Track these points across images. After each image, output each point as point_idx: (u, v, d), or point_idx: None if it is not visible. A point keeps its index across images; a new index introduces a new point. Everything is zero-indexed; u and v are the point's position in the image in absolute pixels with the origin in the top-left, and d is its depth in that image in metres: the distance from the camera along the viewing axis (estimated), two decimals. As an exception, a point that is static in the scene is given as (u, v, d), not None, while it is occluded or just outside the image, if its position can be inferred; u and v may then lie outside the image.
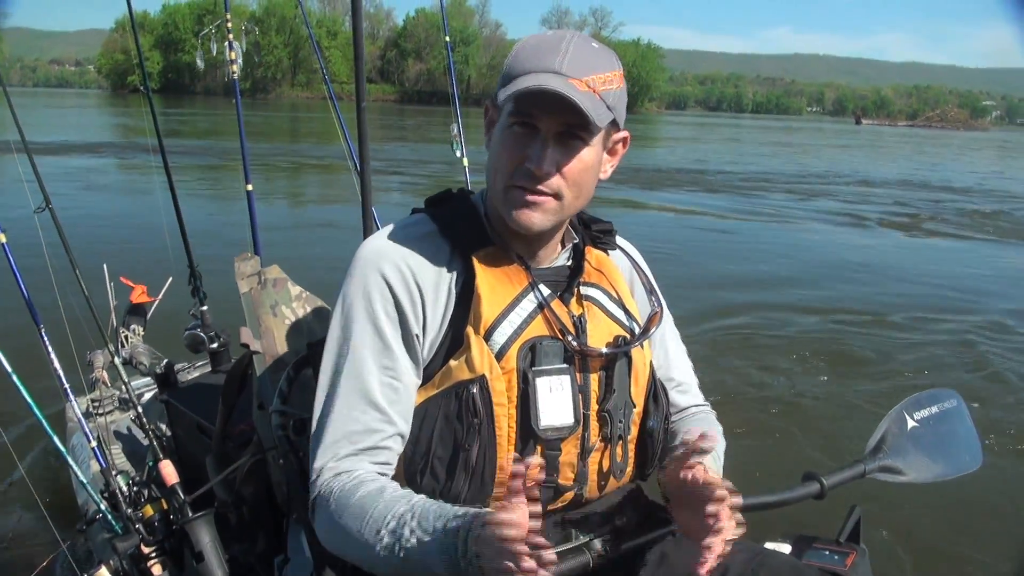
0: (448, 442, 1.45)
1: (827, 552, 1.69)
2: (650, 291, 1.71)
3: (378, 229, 1.62)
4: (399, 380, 1.46)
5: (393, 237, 1.53)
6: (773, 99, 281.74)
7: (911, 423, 1.84)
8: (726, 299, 8.59)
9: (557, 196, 1.43)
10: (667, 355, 1.76)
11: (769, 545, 1.74)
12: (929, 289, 9.57)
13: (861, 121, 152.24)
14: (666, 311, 1.74)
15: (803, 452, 4.82)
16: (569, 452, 1.49)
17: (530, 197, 1.42)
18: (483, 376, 1.42)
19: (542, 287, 1.52)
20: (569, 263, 1.62)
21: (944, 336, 7.42)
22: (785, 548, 1.74)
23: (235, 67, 3.71)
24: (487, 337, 1.45)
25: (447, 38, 4.13)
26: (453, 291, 1.50)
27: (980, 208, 18.76)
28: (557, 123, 1.38)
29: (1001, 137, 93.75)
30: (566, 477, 1.50)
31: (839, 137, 64.19)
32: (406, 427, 1.47)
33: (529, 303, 1.50)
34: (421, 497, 1.35)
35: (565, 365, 1.48)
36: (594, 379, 1.52)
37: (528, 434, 1.44)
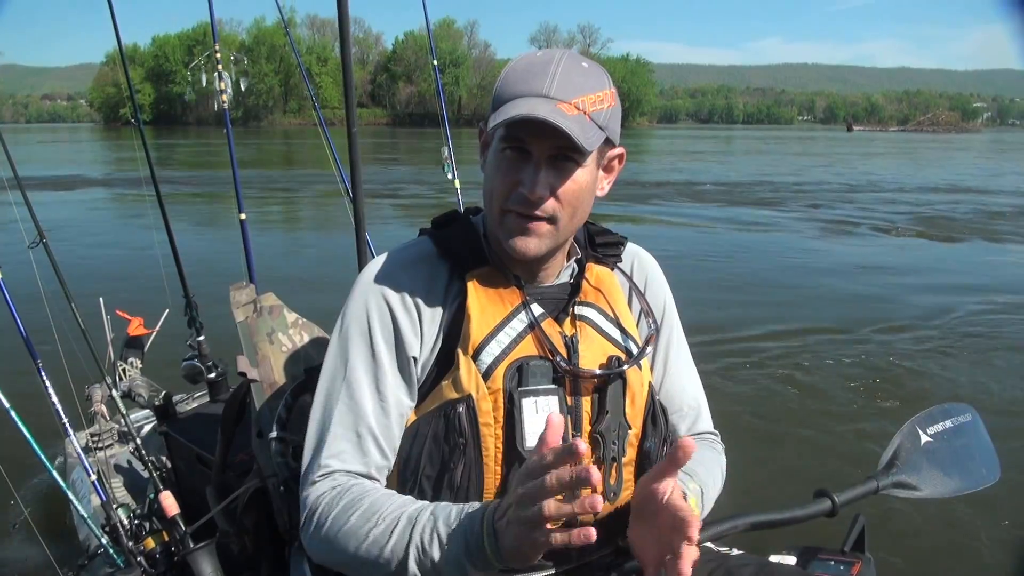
0: (436, 461, 1.45)
1: (832, 562, 1.68)
2: (647, 313, 1.67)
3: (372, 253, 1.63)
4: (391, 405, 1.47)
5: (393, 260, 1.55)
6: (764, 109, 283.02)
7: (924, 438, 1.82)
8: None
9: (552, 220, 1.43)
10: (676, 380, 1.72)
11: (774, 557, 1.73)
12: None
13: (852, 128, 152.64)
14: (679, 336, 1.74)
15: (814, 468, 4.80)
16: None
17: (526, 224, 1.42)
18: (469, 396, 1.42)
19: (534, 307, 1.51)
20: (572, 280, 1.60)
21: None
22: (790, 560, 1.73)
23: (225, 97, 3.73)
24: (475, 357, 1.44)
25: (435, 61, 4.15)
26: (448, 313, 1.50)
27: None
28: (548, 146, 1.37)
29: (1007, 139, 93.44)
30: None
31: (858, 145, 63.88)
32: (393, 453, 1.49)
33: (519, 323, 1.49)
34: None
35: (553, 386, 1.46)
36: (586, 400, 1.49)
37: (513, 455, 1.43)
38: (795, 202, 20.07)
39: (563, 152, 1.38)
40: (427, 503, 1.36)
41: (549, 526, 1.13)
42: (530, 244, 1.44)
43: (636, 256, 1.74)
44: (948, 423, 1.88)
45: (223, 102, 3.74)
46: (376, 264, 1.55)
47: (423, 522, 1.30)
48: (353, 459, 1.45)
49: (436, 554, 1.27)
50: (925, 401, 5.53)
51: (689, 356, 1.77)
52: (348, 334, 1.50)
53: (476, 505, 1.29)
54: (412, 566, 1.29)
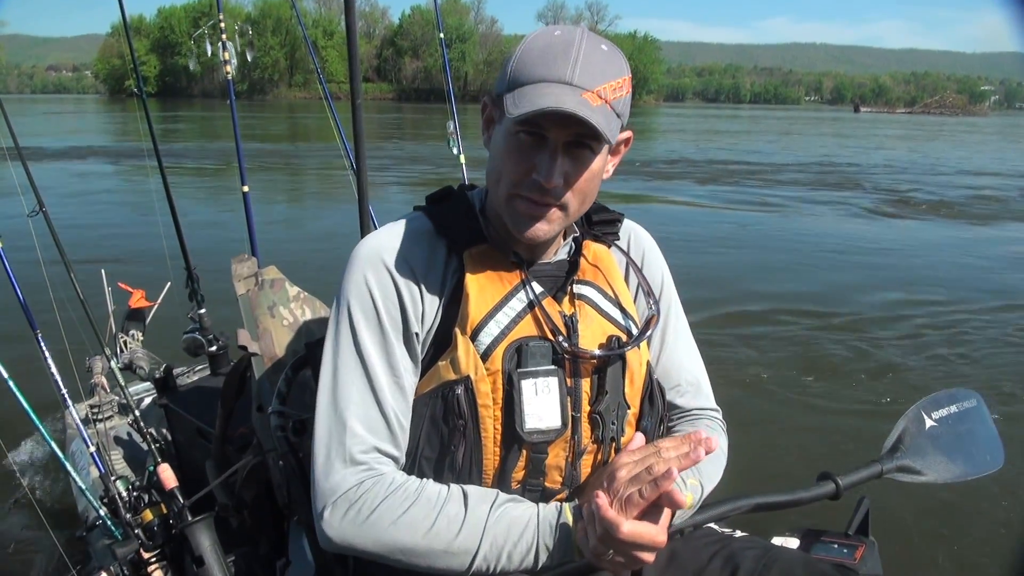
0: (435, 443, 1.43)
1: (836, 545, 1.67)
2: (647, 293, 1.65)
3: (375, 226, 1.61)
4: (400, 380, 1.44)
5: (390, 235, 1.50)
6: (771, 89, 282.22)
7: (929, 422, 1.81)
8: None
9: (563, 206, 1.41)
10: (673, 356, 1.70)
11: (777, 539, 1.72)
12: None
13: (860, 109, 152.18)
14: (677, 310, 1.71)
15: (817, 450, 4.79)
16: (557, 455, 1.45)
17: (535, 210, 1.40)
18: (468, 377, 1.40)
19: (534, 285, 1.49)
20: (569, 257, 1.58)
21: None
22: (793, 542, 1.71)
23: (229, 67, 3.69)
24: (473, 337, 1.42)
25: (441, 35, 4.11)
26: (446, 290, 1.47)
27: None
28: (567, 134, 1.34)
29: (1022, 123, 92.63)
30: (553, 480, 1.47)
31: (888, 127, 63.33)
32: (407, 428, 1.45)
33: (518, 302, 1.46)
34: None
35: (552, 367, 1.44)
36: (585, 381, 1.47)
37: (513, 437, 1.41)
38: (874, 184, 19.84)
39: (580, 139, 1.35)
40: (494, 495, 1.38)
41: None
42: (540, 230, 1.42)
43: (632, 232, 1.72)
44: (953, 408, 1.87)
45: (227, 73, 3.70)
46: (373, 239, 1.51)
47: (496, 513, 1.34)
48: (378, 438, 1.41)
49: (511, 543, 1.32)
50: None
51: (688, 332, 1.74)
52: (351, 309, 1.45)
53: (552, 507, 1.35)
54: (480, 556, 1.31)
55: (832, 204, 16.32)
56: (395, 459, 1.43)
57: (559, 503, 1.35)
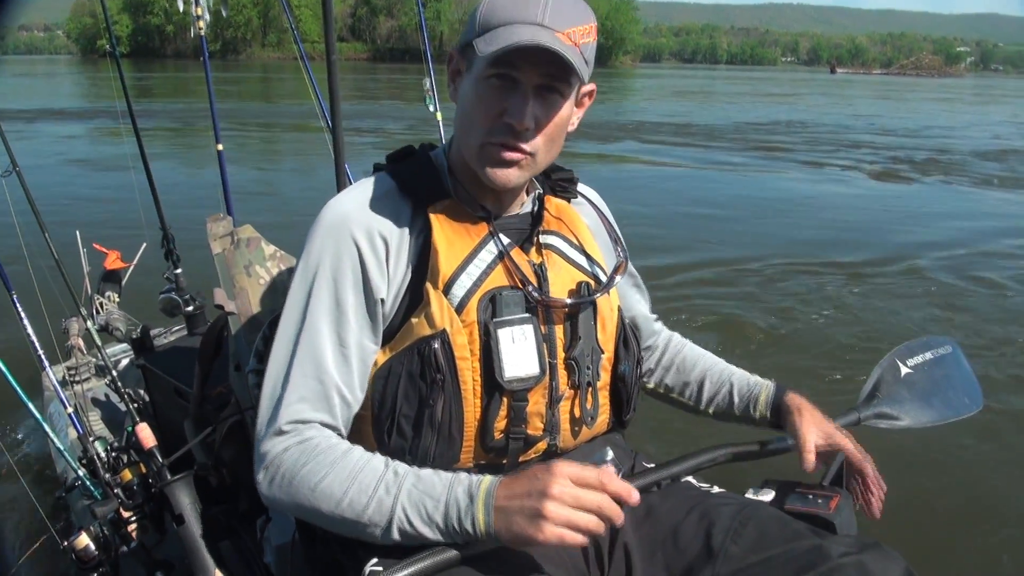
0: (413, 400, 1.43)
1: (811, 496, 1.69)
2: (615, 240, 1.71)
3: (351, 184, 1.60)
4: (353, 351, 1.44)
5: (355, 199, 1.50)
6: (748, 50, 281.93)
7: (904, 370, 1.84)
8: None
9: (533, 152, 1.43)
10: (636, 296, 1.84)
11: (751, 492, 1.74)
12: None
13: (836, 70, 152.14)
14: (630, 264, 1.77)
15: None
16: (537, 402, 1.48)
17: (507, 155, 1.41)
18: (444, 331, 1.41)
19: (501, 236, 1.51)
20: (532, 210, 1.60)
21: None
22: (768, 494, 1.73)
23: (202, 23, 3.63)
24: (446, 291, 1.43)
25: (417, -9, 4.06)
26: (413, 248, 1.48)
27: None
28: (538, 75, 1.36)
29: (1008, 85, 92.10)
30: (535, 427, 1.49)
31: (915, 91, 62.82)
32: (358, 399, 1.46)
33: (488, 254, 1.49)
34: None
35: (527, 315, 1.47)
36: (559, 328, 1.51)
37: (493, 386, 1.43)
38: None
39: (550, 83, 1.37)
40: (406, 466, 1.35)
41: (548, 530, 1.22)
42: (511, 175, 1.43)
43: (588, 191, 1.78)
44: (928, 355, 1.91)
45: (199, 28, 3.64)
46: (336, 204, 1.51)
47: (406, 488, 1.31)
48: (314, 409, 1.42)
49: (419, 521, 1.29)
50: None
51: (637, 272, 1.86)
52: (309, 278, 1.46)
53: (463, 475, 1.32)
54: (394, 531, 1.30)
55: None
56: (332, 428, 1.44)
57: (479, 476, 1.33)
